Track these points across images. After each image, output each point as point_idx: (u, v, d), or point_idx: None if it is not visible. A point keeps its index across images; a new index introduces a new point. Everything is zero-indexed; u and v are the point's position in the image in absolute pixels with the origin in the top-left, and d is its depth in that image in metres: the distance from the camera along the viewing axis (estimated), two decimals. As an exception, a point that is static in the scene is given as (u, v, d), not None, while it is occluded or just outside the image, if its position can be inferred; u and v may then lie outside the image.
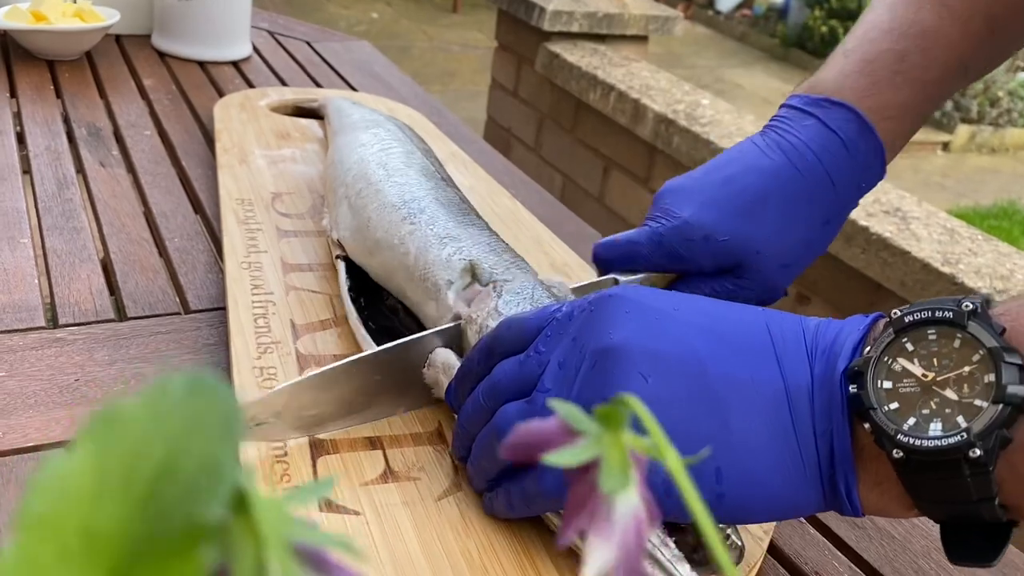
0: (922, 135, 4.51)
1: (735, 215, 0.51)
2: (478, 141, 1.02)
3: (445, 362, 0.48)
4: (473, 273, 0.52)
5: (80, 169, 0.78)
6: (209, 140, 0.86)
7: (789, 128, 0.52)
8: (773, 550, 0.48)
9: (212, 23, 1.08)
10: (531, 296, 0.49)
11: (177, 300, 0.61)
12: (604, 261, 0.54)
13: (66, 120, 0.87)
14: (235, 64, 1.09)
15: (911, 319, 0.35)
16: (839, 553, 0.49)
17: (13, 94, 0.91)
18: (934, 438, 0.33)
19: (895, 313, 0.36)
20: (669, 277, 0.54)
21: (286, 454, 0.45)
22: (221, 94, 0.98)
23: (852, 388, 0.35)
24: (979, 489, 0.33)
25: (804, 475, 0.36)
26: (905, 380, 0.35)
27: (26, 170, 0.76)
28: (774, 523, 0.47)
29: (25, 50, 1.00)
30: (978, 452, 0.32)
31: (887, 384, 0.35)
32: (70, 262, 0.63)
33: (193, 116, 0.92)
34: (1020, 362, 0.32)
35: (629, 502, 0.16)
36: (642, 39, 2.34)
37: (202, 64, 1.07)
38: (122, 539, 0.12)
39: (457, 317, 0.50)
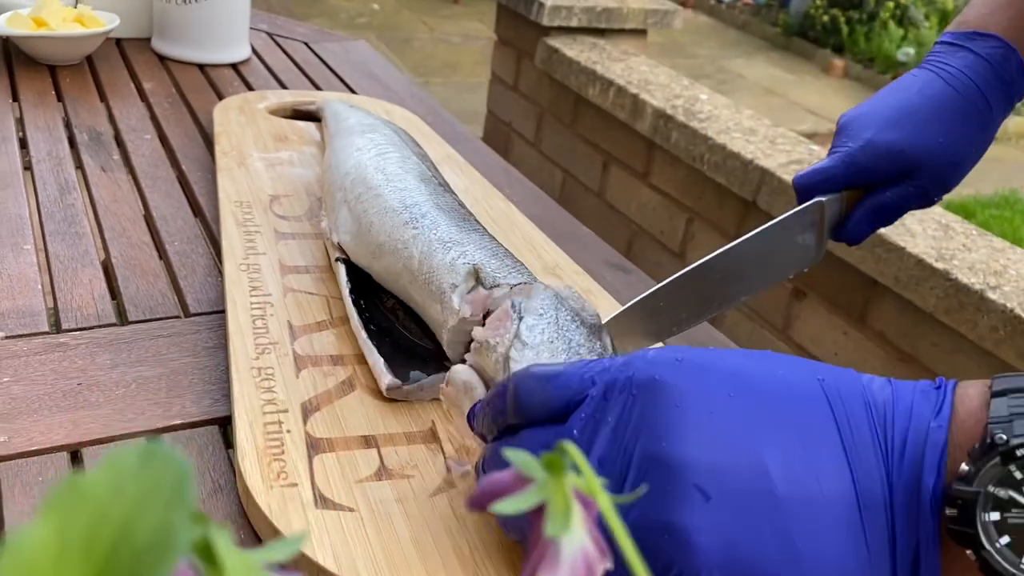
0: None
1: (910, 129, 0.60)
2: (474, 141, 1.03)
3: (467, 383, 0.46)
4: (477, 277, 0.53)
5: (82, 174, 0.79)
6: (208, 143, 0.88)
7: (945, 60, 0.62)
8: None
9: (211, 26, 1.09)
10: (555, 321, 0.47)
11: (177, 304, 0.63)
12: (805, 188, 0.61)
13: (67, 125, 0.89)
14: (234, 67, 1.11)
15: (1023, 452, 0.32)
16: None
17: (15, 99, 0.93)
18: None
19: (1001, 438, 0.32)
20: (858, 193, 0.62)
21: (283, 452, 0.47)
22: (220, 97, 1.00)
23: (951, 512, 0.33)
24: None
25: None
26: (1014, 511, 0.32)
27: (27, 167, 0.78)
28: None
29: (27, 55, 1.02)
30: None
31: (994, 516, 0.32)
32: (72, 267, 0.65)
33: (193, 119, 0.94)
34: None
35: (575, 543, 0.17)
36: (641, 33, 2.35)
37: (201, 67, 1.09)
38: None
39: (463, 320, 0.51)
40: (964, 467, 0.33)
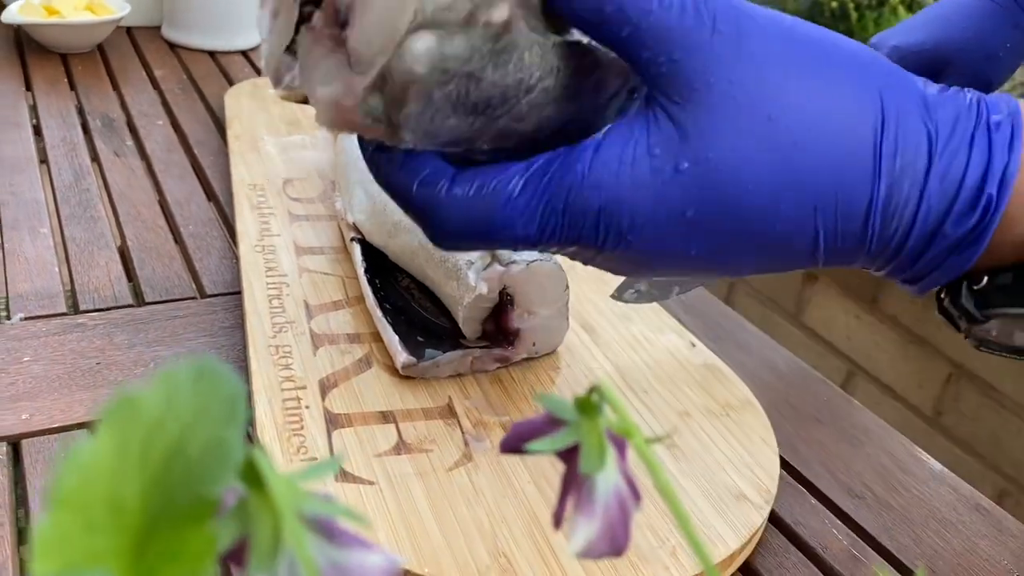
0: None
1: (934, 28, 0.58)
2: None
3: None
4: (492, 253, 0.53)
5: (96, 159, 0.80)
6: (220, 128, 0.88)
7: None
8: (774, 519, 0.50)
9: (221, 13, 1.09)
10: None
11: (193, 285, 0.63)
12: None
13: (80, 112, 0.89)
14: (244, 53, 1.11)
15: None
16: (839, 522, 0.51)
17: (28, 87, 0.93)
18: None
19: None
20: None
21: (302, 428, 0.47)
22: (231, 83, 1.00)
23: None
24: None
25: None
26: None
27: (43, 160, 0.78)
28: (774, 492, 0.49)
29: (39, 44, 1.02)
30: None
31: None
32: (88, 250, 0.65)
33: (204, 105, 0.94)
34: None
35: (609, 481, 0.17)
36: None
37: (212, 54, 1.09)
38: (141, 511, 0.13)
39: (479, 297, 0.52)
40: None
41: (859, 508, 0.52)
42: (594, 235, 0.31)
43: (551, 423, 0.18)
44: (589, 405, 0.17)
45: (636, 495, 0.17)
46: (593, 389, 0.18)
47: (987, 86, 0.59)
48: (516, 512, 0.44)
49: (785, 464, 0.53)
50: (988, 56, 0.58)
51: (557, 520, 0.18)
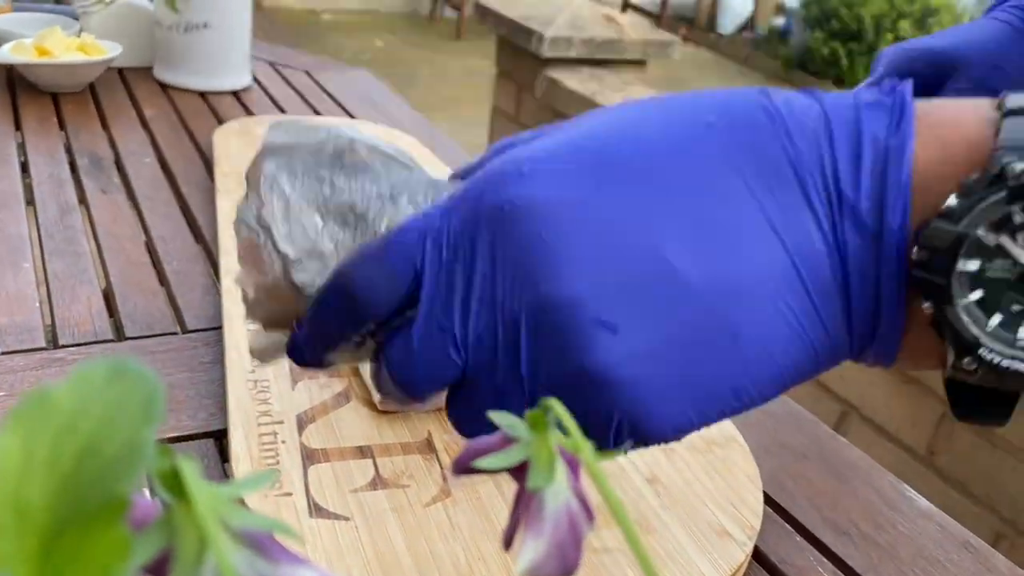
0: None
1: (950, 37, 0.59)
2: (474, 164, 1.04)
3: (275, 343, 0.36)
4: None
5: (82, 197, 0.80)
6: (208, 167, 0.88)
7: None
8: (757, 556, 0.49)
9: (212, 53, 1.10)
10: (291, 206, 0.35)
11: (175, 320, 0.63)
12: None
13: (68, 150, 0.89)
14: (235, 94, 1.12)
15: None
16: (824, 559, 0.50)
17: (18, 127, 0.93)
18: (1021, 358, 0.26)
19: (1013, 168, 0.25)
20: None
21: (278, 462, 0.46)
22: (221, 122, 1.00)
23: (919, 255, 0.26)
24: None
25: (832, 352, 0.29)
26: (997, 261, 0.26)
27: (29, 200, 0.78)
28: (758, 528, 0.48)
29: (29, 83, 1.03)
30: None
31: (972, 265, 0.26)
32: (70, 285, 0.65)
33: (193, 144, 0.94)
34: None
35: (559, 498, 0.17)
36: (640, 63, 2.37)
37: (202, 94, 1.10)
38: (49, 512, 0.13)
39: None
40: (952, 201, 0.26)
41: (845, 545, 0.51)
42: None
43: (505, 441, 0.18)
44: (540, 421, 0.17)
45: (589, 514, 0.17)
46: (545, 406, 0.17)
47: (991, 93, 0.60)
48: (494, 548, 0.43)
49: (770, 500, 0.53)
50: (994, 66, 0.58)
51: (507, 540, 0.17)
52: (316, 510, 0.43)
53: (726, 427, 0.55)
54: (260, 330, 0.37)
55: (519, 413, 0.28)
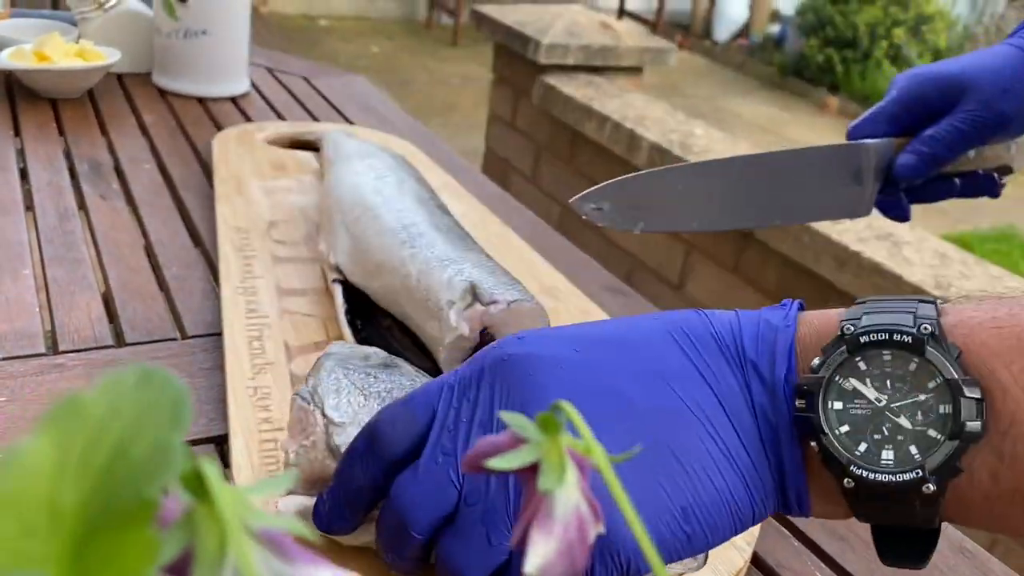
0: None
1: (962, 61, 0.61)
2: (472, 170, 1.04)
3: (304, 507, 0.40)
4: (474, 293, 0.53)
5: (81, 203, 0.80)
6: (207, 173, 0.88)
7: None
8: (756, 561, 0.49)
9: (211, 60, 1.10)
10: (354, 385, 0.43)
11: (175, 326, 0.63)
12: (857, 134, 0.62)
13: (68, 156, 0.89)
14: (233, 100, 1.12)
15: (867, 339, 0.33)
16: (822, 564, 0.50)
17: (17, 133, 0.94)
18: (887, 471, 0.33)
19: (848, 328, 0.34)
20: (904, 141, 0.62)
21: (279, 469, 0.46)
22: (220, 128, 1.01)
23: (800, 404, 0.34)
24: (925, 516, 0.33)
25: (763, 488, 0.35)
26: (857, 401, 0.34)
27: (29, 207, 0.78)
28: (756, 533, 0.48)
29: (29, 89, 1.03)
30: (931, 488, 0.32)
31: (837, 404, 0.34)
32: (70, 291, 0.65)
33: (192, 150, 0.95)
34: (979, 396, 0.32)
35: (568, 500, 0.17)
36: (637, 70, 2.37)
37: (201, 100, 1.10)
38: (81, 514, 0.13)
39: (460, 337, 0.52)
40: (815, 360, 0.34)
41: (843, 551, 0.51)
42: None
43: (514, 442, 0.18)
44: (551, 423, 0.17)
45: (598, 516, 0.17)
46: (555, 407, 0.18)
47: (1000, 115, 0.60)
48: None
49: (768, 506, 0.53)
50: (1004, 89, 0.59)
51: (517, 541, 0.17)
52: (317, 515, 0.44)
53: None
54: (292, 498, 0.41)
55: (507, 533, 0.33)
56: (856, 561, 0.50)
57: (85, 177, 0.85)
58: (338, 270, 0.62)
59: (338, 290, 0.61)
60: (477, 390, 0.36)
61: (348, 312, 0.59)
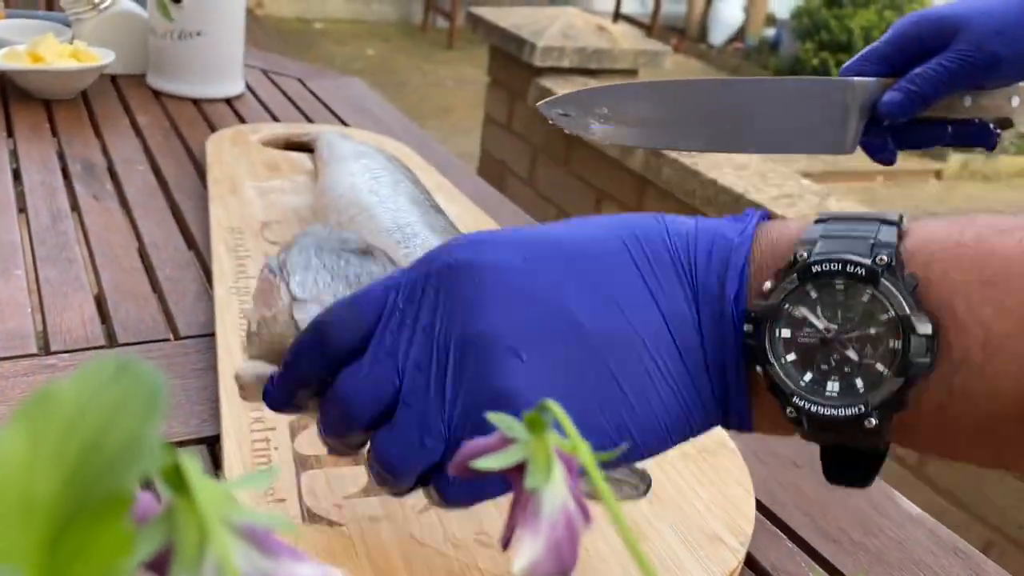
0: (915, 163, 4.55)
1: (955, 4, 0.60)
2: (467, 173, 1.04)
3: (259, 375, 0.41)
4: None
5: (74, 203, 0.80)
6: (201, 174, 0.88)
7: None
8: (750, 562, 0.49)
9: (205, 61, 1.10)
10: (324, 265, 0.43)
11: (167, 327, 0.63)
12: (846, 71, 0.62)
13: (61, 157, 0.89)
14: (228, 101, 1.12)
15: (819, 269, 0.32)
16: (816, 565, 0.50)
17: (10, 133, 0.93)
18: (830, 404, 0.32)
19: (801, 255, 0.33)
20: (890, 82, 0.60)
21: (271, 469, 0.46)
22: (214, 130, 1.00)
23: (748, 329, 0.33)
24: (870, 443, 0.33)
25: (703, 407, 0.35)
26: (806, 330, 0.33)
27: (22, 208, 0.78)
28: (749, 534, 0.48)
29: (22, 90, 1.03)
30: (874, 422, 0.32)
31: (786, 333, 0.33)
32: (63, 292, 0.65)
33: (186, 151, 0.94)
34: (930, 332, 0.31)
35: (555, 498, 0.17)
36: (632, 73, 2.37)
37: (195, 101, 1.10)
38: (54, 507, 0.13)
39: None
40: (767, 285, 0.33)
41: (836, 551, 0.51)
42: None
43: (502, 442, 0.18)
44: (538, 422, 0.17)
45: (586, 515, 0.17)
46: (542, 406, 0.18)
47: (991, 56, 0.59)
48: (487, 555, 0.43)
49: (762, 507, 0.53)
50: (997, 31, 0.58)
51: (505, 540, 0.17)
52: (309, 516, 0.43)
53: (718, 434, 0.55)
54: (252, 363, 0.41)
55: (439, 436, 0.34)
56: (849, 562, 0.50)
57: (78, 178, 0.85)
58: (331, 271, 0.62)
59: (331, 291, 0.61)
60: (422, 293, 0.35)
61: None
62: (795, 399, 0.32)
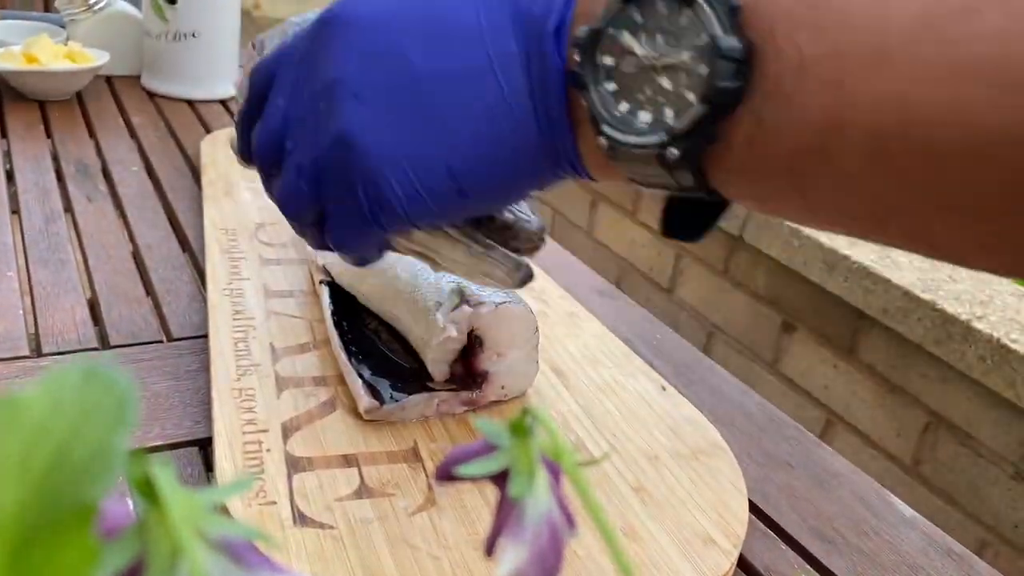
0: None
1: None
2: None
3: (231, 139, 0.49)
4: (461, 295, 0.53)
5: (68, 205, 0.79)
6: (196, 175, 0.88)
7: None
8: (743, 564, 0.49)
9: (200, 62, 1.10)
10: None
11: (160, 329, 0.63)
12: None
13: (55, 158, 0.89)
14: (222, 102, 1.11)
15: None
16: (809, 567, 0.50)
17: (4, 134, 0.93)
18: (634, 133, 0.31)
19: None
20: None
21: (263, 471, 0.46)
22: (209, 131, 1.00)
23: (575, 57, 0.33)
24: (681, 181, 0.32)
25: (531, 146, 0.35)
26: (628, 58, 0.32)
27: (15, 209, 0.78)
28: (742, 536, 0.48)
29: (16, 91, 1.02)
30: (676, 153, 0.30)
31: (608, 60, 0.32)
32: (55, 293, 0.64)
33: (180, 152, 0.94)
34: (739, 56, 0.28)
35: (540, 507, 0.17)
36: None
37: (190, 103, 1.09)
38: (19, 518, 0.12)
39: (448, 339, 0.52)
40: (599, 11, 0.33)
41: (830, 553, 0.51)
42: None
43: (487, 449, 0.18)
44: (521, 428, 0.17)
45: (571, 522, 0.17)
46: (526, 412, 0.17)
47: None
48: (479, 557, 0.43)
49: (755, 508, 0.53)
50: None
51: (489, 547, 0.17)
52: (301, 519, 0.43)
53: (712, 435, 0.55)
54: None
55: (312, 180, 0.38)
56: (842, 564, 0.50)
57: (72, 179, 0.84)
58: (325, 272, 0.62)
59: (325, 292, 0.60)
60: (302, 52, 0.39)
61: (335, 314, 0.58)
62: (604, 127, 0.32)
